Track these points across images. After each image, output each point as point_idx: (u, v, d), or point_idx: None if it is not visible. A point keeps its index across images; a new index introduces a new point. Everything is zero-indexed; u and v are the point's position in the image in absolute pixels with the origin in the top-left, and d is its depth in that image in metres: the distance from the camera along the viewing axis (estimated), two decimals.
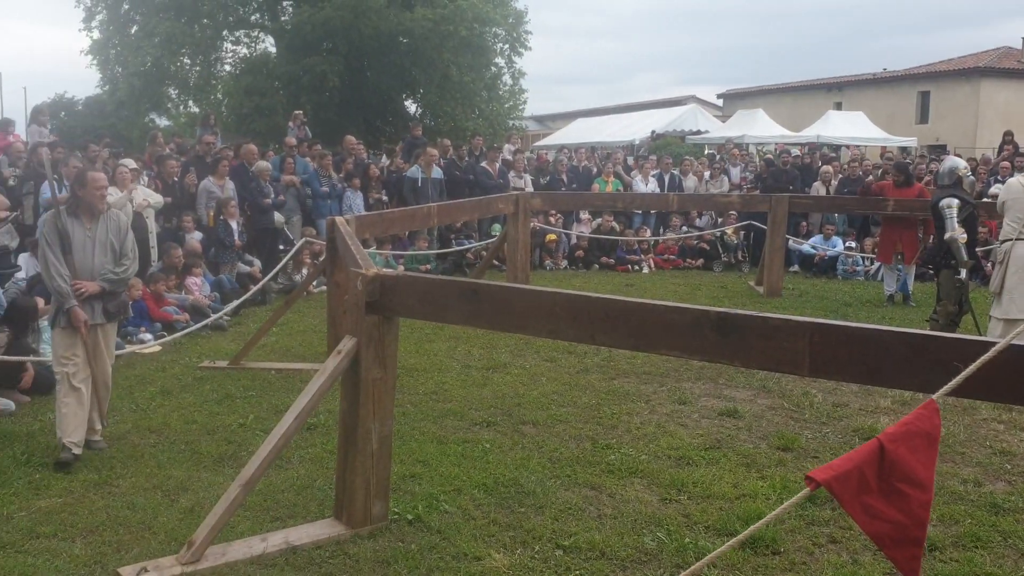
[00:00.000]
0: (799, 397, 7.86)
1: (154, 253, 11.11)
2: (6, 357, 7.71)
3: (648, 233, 17.04)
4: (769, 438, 6.80)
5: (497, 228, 15.69)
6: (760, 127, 30.45)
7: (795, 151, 21.57)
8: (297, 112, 18.60)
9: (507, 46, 34.61)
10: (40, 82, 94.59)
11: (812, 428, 7.08)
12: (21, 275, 9.56)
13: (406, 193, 15.14)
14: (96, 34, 34.04)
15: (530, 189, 16.07)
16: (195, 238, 12.16)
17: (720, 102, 47.84)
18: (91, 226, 6.28)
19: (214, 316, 10.57)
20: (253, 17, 35.23)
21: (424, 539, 5.01)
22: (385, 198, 15.48)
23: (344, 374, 5.11)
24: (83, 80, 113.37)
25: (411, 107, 36.16)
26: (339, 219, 7.79)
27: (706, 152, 27.17)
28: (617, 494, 5.68)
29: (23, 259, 9.87)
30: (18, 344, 8.03)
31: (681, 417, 7.31)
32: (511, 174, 16.72)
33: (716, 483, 5.85)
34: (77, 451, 6.15)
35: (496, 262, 14.01)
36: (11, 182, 11.39)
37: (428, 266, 14.53)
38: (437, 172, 15.45)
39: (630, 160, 20.52)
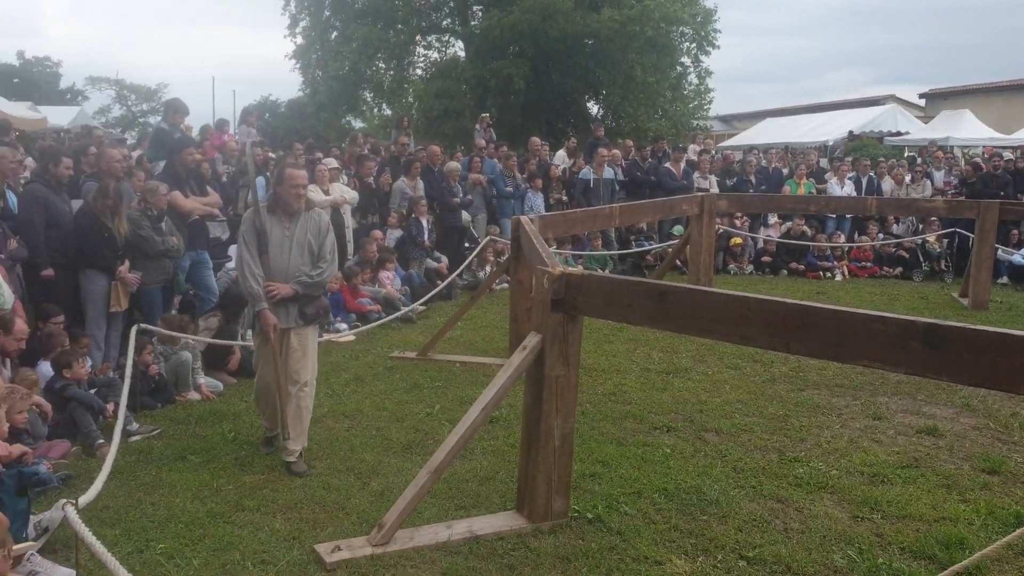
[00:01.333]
0: (1007, 417, 7.29)
1: (350, 247, 11.69)
2: (216, 340, 8.34)
3: (842, 239, 16.26)
4: (972, 459, 6.35)
5: (678, 230, 15.46)
6: (967, 129, 28.41)
7: (1007, 154, 19.97)
8: (484, 115, 19.06)
9: (694, 45, 34.04)
10: (248, 86, 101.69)
11: (1022, 451, 6.55)
12: (231, 265, 10.29)
13: (577, 194, 15.23)
14: (299, 39, 36.30)
15: (715, 190, 15.73)
16: (394, 235, 12.71)
17: (922, 102, 45.03)
18: (290, 225, 6.05)
19: (404, 309, 11.02)
20: (445, 22, 36.43)
21: (604, 539, 5.02)
22: (565, 198, 15.61)
23: (528, 370, 5.19)
24: (286, 83, 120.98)
25: (593, 108, 36.27)
26: (524, 218, 7.94)
27: (906, 155, 25.66)
28: (805, 508, 5.48)
29: (233, 250, 10.63)
30: (228, 329, 8.68)
31: (875, 433, 6.95)
32: (696, 175, 16.43)
33: (913, 503, 5.52)
34: (269, 434, 6.47)
35: (677, 264, 13.81)
36: (224, 179, 12.28)
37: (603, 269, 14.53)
38: (609, 172, 15.42)
39: (823, 162, 19.66)
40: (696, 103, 35.95)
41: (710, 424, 7.10)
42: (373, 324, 10.33)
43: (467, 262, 12.48)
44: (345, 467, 6.15)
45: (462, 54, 36.17)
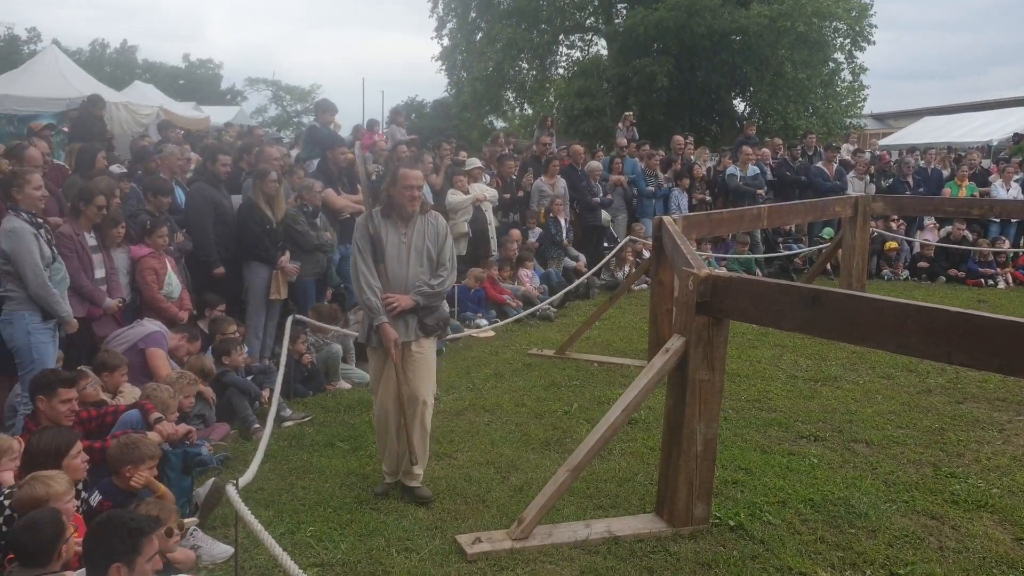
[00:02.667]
0: None
1: (493, 243, 11.86)
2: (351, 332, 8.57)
3: (1007, 244, 15.27)
4: None
5: (828, 232, 14.90)
6: None
7: None
8: (627, 114, 18.93)
9: (848, 40, 32.71)
10: (396, 87, 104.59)
11: None
12: None
13: (731, 192, 14.94)
14: (446, 41, 37.09)
15: (870, 192, 15.07)
16: (536, 234, 12.82)
17: None
18: (406, 231, 5.46)
19: (542, 305, 11.09)
20: (588, 21, 36.40)
21: (746, 547, 4.90)
22: (709, 198, 15.32)
23: (671, 373, 5.13)
24: (432, 84, 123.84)
25: (739, 106, 35.44)
26: (667, 218, 7.83)
27: None
28: (962, 527, 5.18)
29: None
30: None
31: None
32: (849, 175, 15.79)
33: None
34: (389, 480, 5.69)
35: (827, 269, 13.32)
36: (373, 177, 12.67)
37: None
38: (753, 170, 15.02)
39: (986, 163, 18.52)
40: (849, 100, 34.53)
41: (860, 435, 6.82)
42: (511, 319, 10.44)
43: (604, 261, 12.44)
44: (485, 460, 6.24)
45: (605, 52, 36.06)
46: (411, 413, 5.47)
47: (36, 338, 5.88)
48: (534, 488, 5.55)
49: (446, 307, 6.01)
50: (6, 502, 4.17)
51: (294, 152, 12.22)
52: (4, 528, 4.16)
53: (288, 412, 7.20)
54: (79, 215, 6.61)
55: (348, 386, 8.19)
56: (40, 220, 6.09)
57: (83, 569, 3.37)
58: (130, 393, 6.16)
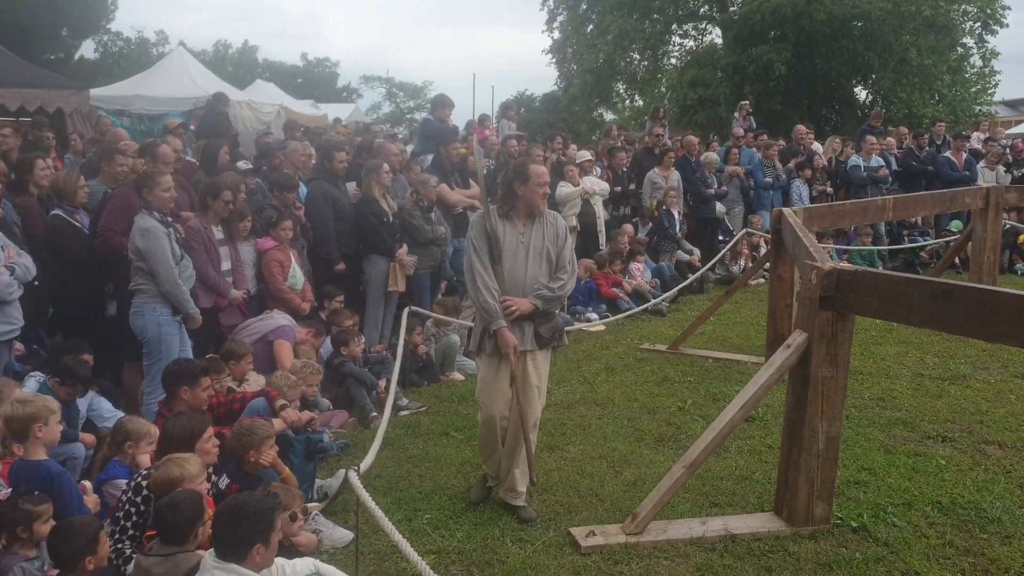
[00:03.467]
0: None
1: (601, 238, 11.80)
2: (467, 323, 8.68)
3: None
4: None
5: (956, 225, 14.22)
6: None
7: None
8: (743, 103, 18.50)
9: (978, 24, 31.08)
10: (506, 82, 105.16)
11: None
12: None
13: (854, 183, 14.41)
14: (556, 34, 37.07)
15: (1003, 182, 14.29)
16: (647, 227, 12.70)
17: None
18: (524, 230, 5.15)
19: (654, 300, 10.98)
20: (702, 9, 35.77)
21: (869, 549, 4.74)
22: (830, 189, 14.83)
23: (792, 369, 5.00)
24: (541, 78, 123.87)
25: (860, 94, 34.16)
26: (787, 210, 7.63)
27: None
28: None
29: None
30: None
31: None
32: (980, 165, 15.02)
33: None
34: (492, 483, 5.45)
35: (955, 263, 12.71)
36: (484, 172, 12.77)
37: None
38: (877, 161, 14.44)
39: None
40: (979, 87, 32.86)
41: (992, 436, 6.49)
42: (622, 315, 10.37)
43: (720, 255, 12.21)
44: (598, 454, 6.23)
45: (719, 41, 35.36)
46: (529, 423, 5.17)
47: (165, 330, 6.16)
48: (648, 484, 5.51)
49: (560, 317, 5.66)
50: (144, 483, 4.41)
51: (408, 148, 12.46)
52: (143, 507, 4.39)
53: (404, 402, 7.36)
54: (207, 209, 6.91)
55: (462, 377, 8.31)
56: (169, 219, 6.38)
57: (211, 549, 3.52)
58: (255, 381, 6.41)
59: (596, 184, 12.00)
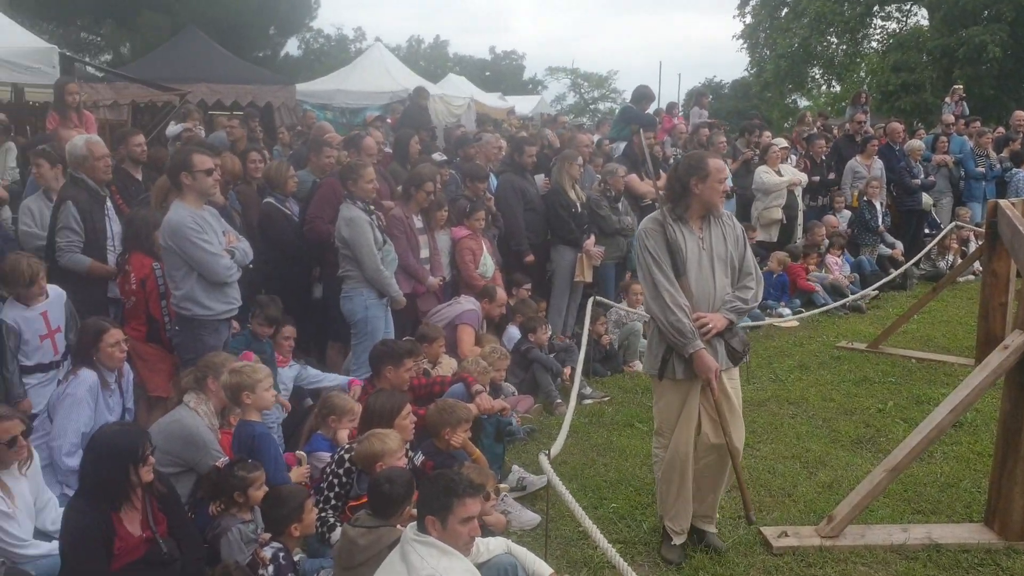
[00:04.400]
0: None
1: (799, 230, 11.38)
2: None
3: None
4: None
5: None
6: None
7: None
8: (956, 87, 17.26)
9: None
10: (692, 69, 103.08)
11: None
12: None
13: None
14: (748, 19, 35.95)
15: None
16: (842, 217, 12.15)
17: None
18: (703, 235, 4.51)
19: (853, 296, 10.48)
20: None
21: None
22: None
23: (1009, 372, 4.65)
24: (730, 65, 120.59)
25: None
26: (1004, 202, 7.07)
27: None
28: None
29: None
30: None
31: None
32: None
33: None
34: (678, 540, 4.68)
35: None
36: (671, 161, 12.60)
37: None
38: None
39: None
40: None
41: None
42: (817, 310, 9.95)
43: (926, 249, 11.46)
44: (791, 454, 6.03)
45: (925, 22, 33.13)
46: (715, 461, 4.59)
47: (371, 313, 6.51)
48: (844, 486, 5.30)
49: (742, 330, 4.86)
50: (347, 455, 4.67)
51: (595, 138, 12.47)
52: (345, 479, 4.66)
53: (588, 390, 7.41)
54: (409, 199, 7.20)
55: None
56: (372, 208, 6.69)
57: (412, 523, 3.68)
58: (447, 364, 6.65)
59: (798, 174, 11.59)
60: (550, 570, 3.96)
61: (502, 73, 59.17)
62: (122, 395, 5.32)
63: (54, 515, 4.41)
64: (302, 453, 5.37)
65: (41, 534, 4.31)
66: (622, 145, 10.43)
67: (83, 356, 5.10)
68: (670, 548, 4.65)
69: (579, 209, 8.46)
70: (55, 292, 5.52)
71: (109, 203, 6.33)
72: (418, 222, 7.24)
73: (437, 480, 3.59)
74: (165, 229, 5.37)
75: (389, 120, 14.42)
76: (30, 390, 5.27)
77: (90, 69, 16.29)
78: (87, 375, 5.02)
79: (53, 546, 4.13)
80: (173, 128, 9.74)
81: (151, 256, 5.76)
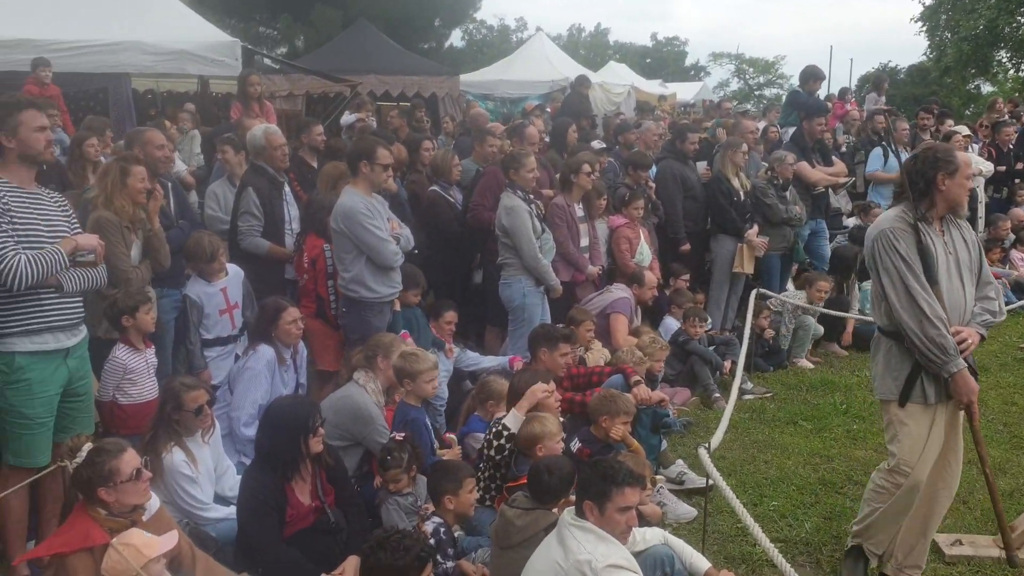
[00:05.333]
0: None
1: (980, 223, 10.66)
2: (829, 311, 8.26)
3: None
4: None
5: None
6: None
7: None
8: None
9: None
10: (865, 53, 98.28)
11: None
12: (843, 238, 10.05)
13: None
14: (928, 0, 33.88)
15: None
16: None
17: None
18: (946, 238, 4.06)
19: None
20: None
21: None
22: None
23: None
24: (906, 49, 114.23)
25: None
26: None
27: None
28: None
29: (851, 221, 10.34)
30: (838, 299, 8.55)
31: None
32: None
33: None
34: (875, 563, 4.33)
35: None
36: (843, 148, 12.02)
37: None
38: None
39: None
40: None
41: None
42: None
43: None
44: (967, 459, 5.63)
45: None
46: (940, 495, 4.22)
47: (529, 300, 6.59)
48: None
49: None
50: (505, 432, 4.68)
51: (760, 125, 12.08)
52: (497, 457, 4.69)
53: (749, 385, 7.23)
54: (570, 187, 7.20)
55: (811, 365, 7.98)
56: (531, 196, 6.75)
57: (569, 508, 3.70)
58: (598, 350, 6.62)
59: (982, 163, 10.85)
60: (708, 564, 3.89)
61: (663, 60, 58.36)
62: (296, 370, 5.62)
63: (232, 482, 4.71)
64: (452, 436, 5.52)
65: (220, 499, 4.61)
66: (790, 131, 10.05)
67: (262, 333, 5.42)
68: (855, 568, 4.32)
69: (742, 197, 8.24)
70: (234, 270, 5.88)
71: (287, 189, 6.68)
72: (579, 210, 7.24)
73: (597, 467, 3.59)
74: (337, 213, 5.61)
75: (549, 109, 14.49)
76: (209, 362, 5.66)
77: (267, 61, 17.11)
78: (265, 350, 5.34)
79: (230, 511, 4.40)
80: (347, 118, 10.14)
81: (324, 238, 6.04)
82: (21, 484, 4.02)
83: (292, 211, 6.61)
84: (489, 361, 6.60)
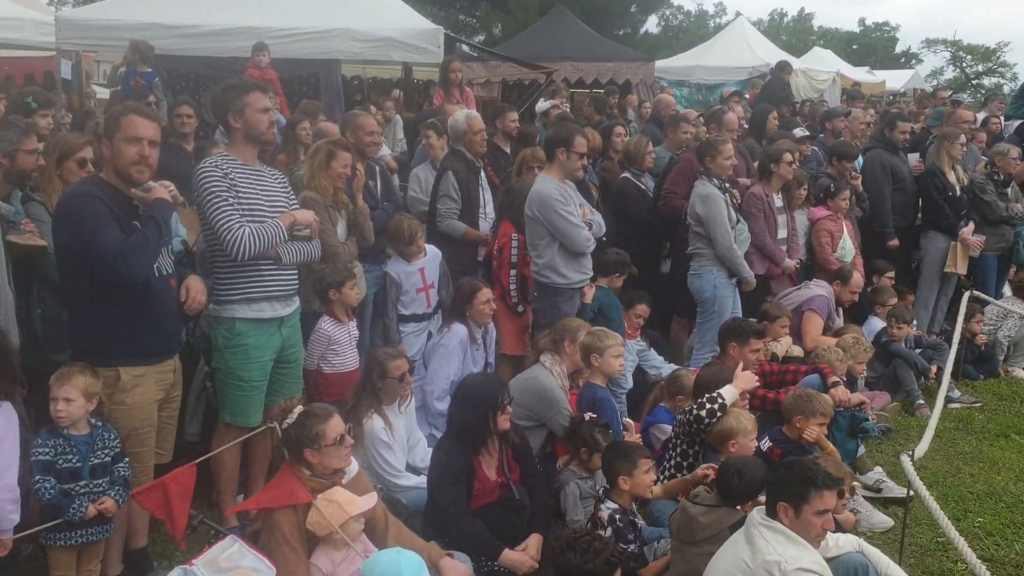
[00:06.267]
0: None
1: None
2: None
3: None
4: None
5: None
6: None
7: None
8: None
9: None
10: None
11: None
12: None
13: None
14: None
15: None
16: None
17: None
18: None
19: None
20: None
21: None
22: None
23: None
24: None
25: None
26: None
27: None
28: None
29: None
30: None
31: None
32: None
33: None
34: None
35: None
36: None
37: None
38: None
39: None
40: None
41: None
42: None
43: None
44: None
45: None
46: None
47: (720, 292, 6.41)
48: None
49: None
50: (719, 400, 4.58)
51: (979, 116, 11.23)
52: (706, 420, 4.57)
53: (956, 393, 6.79)
54: (769, 176, 6.96)
55: None
56: (727, 185, 6.56)
57: (758, 507, 3.59)
58: (784, 343, 6.34)
59: None
60: None
61: (871, 46, 55.29)
62: (486, 349, 5.79)
63: (423, 453, 4.91)
64: (629, 421, 5.48)
65: (411, 469, 4.81)
66: (1015, 124, 9.27)
67: (457, 312, 5.60)
68: None
69: (957, 193, 7.68)
70: (432, 251, 6.09)
71: (483, 174, 6.84)
72: (777, 200, 6.98)
73: (795, 468, 3.47)
74: (532, 199, 5.69)
75: (748, 95, 14.08)
76: (404, 338, 5.90)
77: (466, 48, 17.56)
78: (459, 329, 5.52)
79: (421, 480, 4.59)
80: (542, 105, 10.27)
81: (515, 227, 6.15)
82: (235, 441, 4.36)
83: (486, 195, 6.77)
84: (668, 370, 6.47)
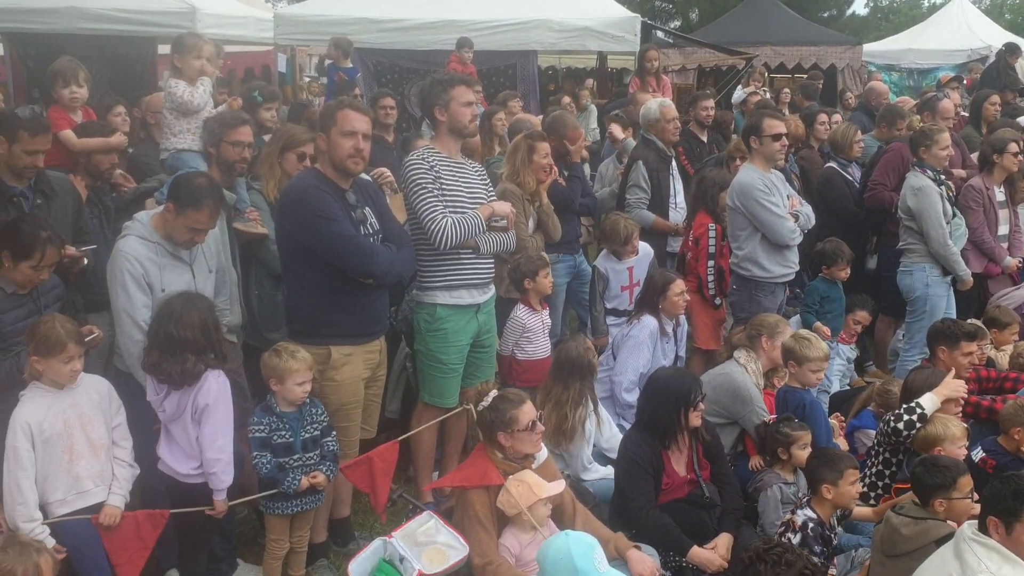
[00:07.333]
0: None
1: None
2: None
3: None
4: None
5: None
6: None
7: None
8: None
9: None
10: None
11: None
12: None
13: None
14: None
15: None
16: None
17: None
18: None
19: None
20: None
21: None
22: None
23: None
24: None
25: None
26: None
27: None
28: None
29: None
30: None
31: None
32: None
33: None
34: None
35: None
36: None
37: None
38: None
39: None
40: None
41: None
42: None
43: None
44: None
45: None
46: None
47: (932, 290, 6.02)
48: None
49: None
50: (918, 410, 4.36)
51: None
52: (904, 431, 4.37)
53: None
54: (991, 168, 6.45)
55: None
56: (942, 177, 6.13)
57: (971, 521, 3.37)
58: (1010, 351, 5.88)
59: None
60: None
61: None
62: (676, 343, 5.71)
63: (613, 443, 4.92)
64: (833, 421, 5.24)
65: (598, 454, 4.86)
66: None
67: (648, 303, 5.55)
68: None
69: None
70: (644, 250, 6.10)
71: (674, 163, 6.75)
72: (999, 194, 6.47)
73: (1010, 482, 3.21)
74: (734, 189, 5.57)
75: (965, 81, 13.10)
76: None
77: (662, 35, 17.30)
78: (649, 321, 5.48)
79: (608, 471, 4.63)
80: (738, 94, 10.00)
81: (712, 217, 6.03)
82: (433, 421, 4.55)
83: (677, 185, 6.69)
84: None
